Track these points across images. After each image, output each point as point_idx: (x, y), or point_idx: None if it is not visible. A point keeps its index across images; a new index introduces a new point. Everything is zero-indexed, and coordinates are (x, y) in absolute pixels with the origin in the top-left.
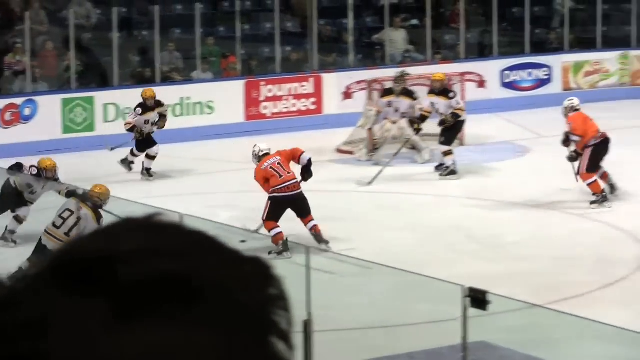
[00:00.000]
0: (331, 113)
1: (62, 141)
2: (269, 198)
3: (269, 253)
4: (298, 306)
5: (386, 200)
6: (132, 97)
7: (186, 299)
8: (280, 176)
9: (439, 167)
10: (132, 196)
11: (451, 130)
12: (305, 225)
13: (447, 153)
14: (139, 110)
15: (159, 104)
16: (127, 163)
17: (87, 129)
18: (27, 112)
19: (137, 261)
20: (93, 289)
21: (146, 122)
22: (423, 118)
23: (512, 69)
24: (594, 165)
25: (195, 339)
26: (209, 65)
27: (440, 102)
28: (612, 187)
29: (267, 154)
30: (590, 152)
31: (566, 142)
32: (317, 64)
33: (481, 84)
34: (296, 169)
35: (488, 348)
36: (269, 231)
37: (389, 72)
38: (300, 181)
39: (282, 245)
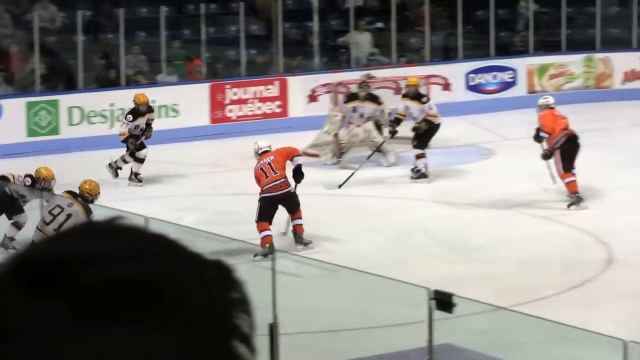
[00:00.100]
0: (296, 116)
1: (27, 144)
2: (259, 199)
3: (255, 255)
4: (264, 309)
5: (352, 203)
6: (96, 100)
7: (146, 302)
8: (267, 177)
9: (415, 170)
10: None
11: (425, 134)
12: (291, 222)
13: (420, 156)
14: (130, 117)
15: (150, 109)
16: (114, 168)
17: (51, 132)
18: None
19: (97, 265)
20: (53, 293)
21: (136, 127)
22: (398, 121)
23: (477, 71)
24: (569, 164)
25: (155, 343)
26: (174, 68)
27: (414, 107)
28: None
29: (266, 151)
30: (560, 153)
31: (537, 138)
32: (282, 66)
33: (446, 86)
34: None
35: (454, 350)
36: (259, 232)
37: (354, 75)
38: (295, 183)
39: (268, 249)
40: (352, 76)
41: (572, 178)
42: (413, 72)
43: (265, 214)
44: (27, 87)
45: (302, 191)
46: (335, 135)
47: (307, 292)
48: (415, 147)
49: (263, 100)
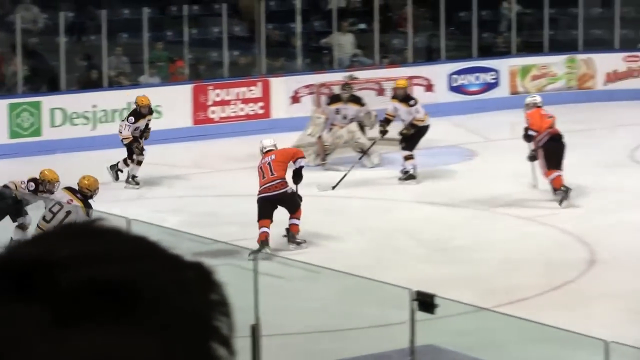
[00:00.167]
0: (279, 117)
1: (9, 146)
2: (257, 199)
3: (249, 254)
4: (246, 310)
5: (334, 205)
6: (79, 101)
7: (125, 304)
8: (264, 177)
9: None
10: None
11: (413, 136)
12: (288, 220)
13: (408, 157)
14: (132, 119)
15: (150, 111)
16: (114, 170)
17: (33, 134)
18: None
19: (76, 267)
20: (32, 295)
21: (136, 129)
22: (387, 121)
23: (459, 72)
24: (551, 162)
25: (133, 345)
26: (156, 70)
27: (402, 109)
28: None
29: (270, 150)
30: (543, 152)
31: (526, 137)
32: (265, 68)
33: (429, 87)
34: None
35: (436, 351)
36: (259, 229)
37: (337, 76)
38: (295, 184)
39: (260, 244)
40: (334, 77)
41: (556, 173)
42: (396, 73)
43: (263, 213)
44: (10, 88)
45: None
46: (319, 137)
47: (290, 294)
48: (403, 149)
49: (246, 101)
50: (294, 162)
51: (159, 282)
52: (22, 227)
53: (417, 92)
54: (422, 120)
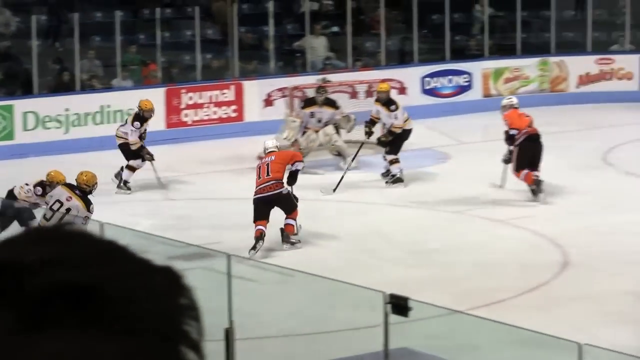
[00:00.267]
0: (252, 120)
1: None
2: (252, 200)
3: (249, 252)
4: (219, 314)
5: (307, 207)
6: (51, 105)
7: (93, 309)
8: (259, 177)
9: (385, 174)
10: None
11: (397, 139)
12: (284, 220)
13: (394, 161)
14: (137, 124)
15: (152, 114)
16: (122, 184)
17: (6, 138)
18: None
19: (43, 271)
20: None
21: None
22: (373, 122)
23: (432, 75)
24: (521, 163)
25: (101, 350)
26: (129, 73)
27: (383, 113)
28: (538, 189)
29: (272, 151)
30: (517, 151)
31: (508, 138)
32: (238, 71)
33: (402, 90)
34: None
35: (410, 354)
36: (255, 228)
37: (310, 79)
38: (290, 185)
39: (255, 240)
40: (308, 80)
41: (526, 171)
42: (369, 76)
43: (259, 215)
44: None
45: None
46: (295, 140)
47: (263, 297)
48: (388, 152)
49: (219, 104)
50: (292, 165)
51: (127, 287)
52: None
53: (390, 95)
54: (400, 127)
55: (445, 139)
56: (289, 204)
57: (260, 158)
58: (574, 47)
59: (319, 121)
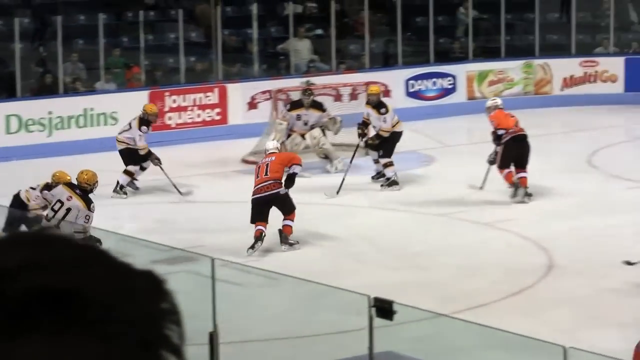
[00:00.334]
0: (236, 123)
1: None
2: (250, 200)
3: (247, 250)
4: (203, 318)
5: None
6: (34, 108)
7: (73, 313)
8: (257, 177)
9: (376, 177)
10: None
11: (389, 142)
12: (282, 221)
13: (388, 165)
14: (145, 128)
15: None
16: (131, 186)
17: None
18: None
19: (22, 276)
20: None
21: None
22: (365, 124)
23: (416, 78)
24: (505, 162)
25: (79, 354)
26: (112, 76)
27: (373, 115)
28: (516, 191)
29: (272, 152)
30: (502, 149)
31: (496, 139)
32: (222, 74)
33: (386, 93)
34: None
35: (394, 358)
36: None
37: (294, 82)
38: (287, 187)
39: (254, 240)
40: (291, 83)
41: (508, 170)
42: (353, 79)
43: (256, 216)
44: None
45: (241, 198)
46: (282, 143)
47: (248, 301)
48: (381, 156)
49: (202, 107)
50: (289, 167)
51: (107, 291)
52: None
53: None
54: (387, 131)
55: (430, 142)
56: (287, 205)
57: (244, 161)
58: (558, 50)
59: (306, 124)
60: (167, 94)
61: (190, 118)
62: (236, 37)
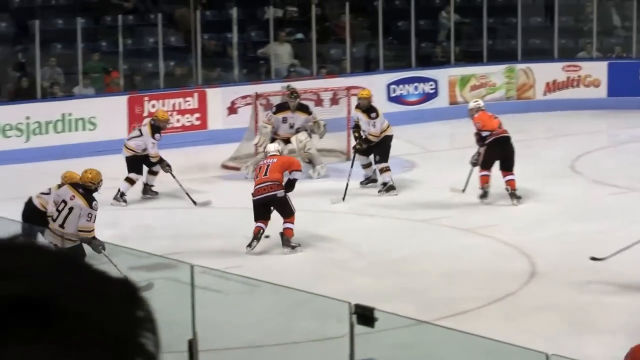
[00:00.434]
0: (216, 128)
1: None
2: (252, 200)
3: (246, 247)
4: (183, 325)
5: (272, 217)
6: (12, 113)
7: (46, 321)
8: (257, 177)
9: (364, 183)
10: (10, 215)
11: (382, 146)
12: (282, 224)
13: (384, 170)
14: (158, 136)
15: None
16: (147, 190)
17: None
18: None
19: None
20: None
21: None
22: (358, 127)
23: (398, 82)
24: (486, 163)
25: None
26: (90, 81)
27: (363, 120)
28: (485, 194)
29: (273, 155)
30: (484, 150)
31: (480, 140)
32: (202, 78)
33: None
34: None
35: None
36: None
37: (275, 87)
38: (287, 192)
39: (253, 236)
40: (272, 88)
41: (485, 173)
42: (334, 84)
43: (258, 215)
44: None
45: (222, 204)
46: (263, 147)
47: (227, 308)
48: (378, 162)
49: (182, 112)
50: (290, 173)
51: (80, 299)
52: None
53: (355, 102)
54: (375, 136)
55: (411, 147)
56: (286, 208)
57: (224, 166)
58: (541, 54)
59: (291, 126)
60: (146, 98)
61: (170, 123)
62: (216, 41)
